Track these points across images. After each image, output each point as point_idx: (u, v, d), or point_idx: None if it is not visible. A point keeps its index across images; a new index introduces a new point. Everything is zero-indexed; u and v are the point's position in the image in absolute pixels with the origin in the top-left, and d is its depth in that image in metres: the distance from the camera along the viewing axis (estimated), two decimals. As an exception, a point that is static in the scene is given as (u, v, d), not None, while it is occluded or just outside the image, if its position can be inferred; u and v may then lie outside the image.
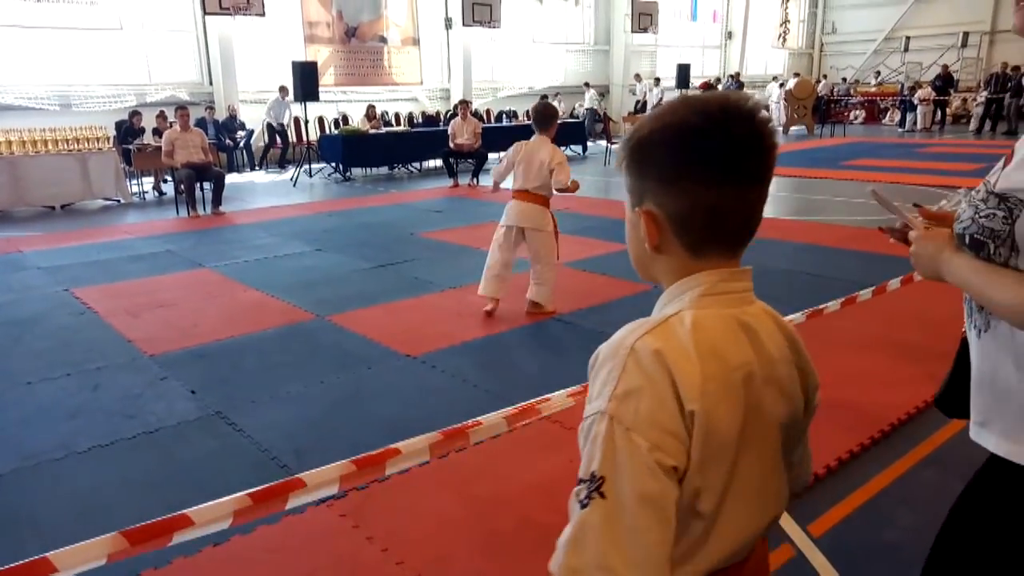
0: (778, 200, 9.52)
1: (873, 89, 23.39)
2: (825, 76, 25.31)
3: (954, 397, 1.35)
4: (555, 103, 17.58)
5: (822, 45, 27.44)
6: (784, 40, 26.36)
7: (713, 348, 0.83)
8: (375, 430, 3.26)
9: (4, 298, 5.52)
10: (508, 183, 4.95)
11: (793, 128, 19.55)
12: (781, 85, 20.98)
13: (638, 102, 19.63)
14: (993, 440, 1.22)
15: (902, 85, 22.18)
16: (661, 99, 19.17)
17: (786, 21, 26.19)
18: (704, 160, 0.83)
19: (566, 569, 0.76)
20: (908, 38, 23.98)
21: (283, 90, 13.99)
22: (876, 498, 2.67)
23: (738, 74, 21.69)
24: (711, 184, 0.84)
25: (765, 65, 26.37)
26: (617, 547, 0.75)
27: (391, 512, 2.64)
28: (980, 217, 1.17)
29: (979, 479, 1.27)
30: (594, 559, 0.75)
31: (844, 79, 24.56)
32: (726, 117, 0.83)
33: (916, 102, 19.70)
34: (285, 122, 14.36)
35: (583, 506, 0.77)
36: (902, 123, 20.40)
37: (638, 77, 20.20)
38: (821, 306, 4.05)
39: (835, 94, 22.86)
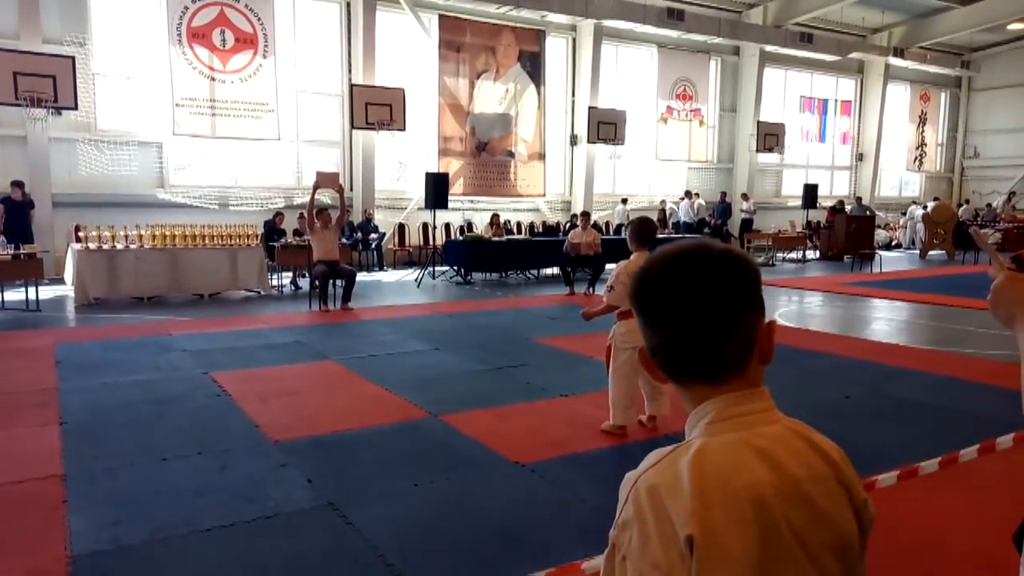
0: (916, 328, 8.97)
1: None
2: (967, 200, 24.09)
3: None
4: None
5: (963, 169, 26.33)
6: (920, 164, 25.52)
7: (717, 471, 0.87)
8: (479, 536, 3.23)
9: (152, 376, 6.00)
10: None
11: (932, 252, 18.61)
12: (924, 207, 20.14)
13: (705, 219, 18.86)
14: None
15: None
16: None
17: (922, 144, 25.44)
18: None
19: None
20: (1061, 162, 22.61)
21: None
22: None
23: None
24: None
25: (900, 187, 25.55)
26: None
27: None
28: None
29: None
30: None
31: (989, 204, 23.25)
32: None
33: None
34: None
35: None
36: (1057, 251, 18.95)
37: (692, 195, 19.05)
38: (961, 451, 3.72)
39: (980, 219, 21.64)
